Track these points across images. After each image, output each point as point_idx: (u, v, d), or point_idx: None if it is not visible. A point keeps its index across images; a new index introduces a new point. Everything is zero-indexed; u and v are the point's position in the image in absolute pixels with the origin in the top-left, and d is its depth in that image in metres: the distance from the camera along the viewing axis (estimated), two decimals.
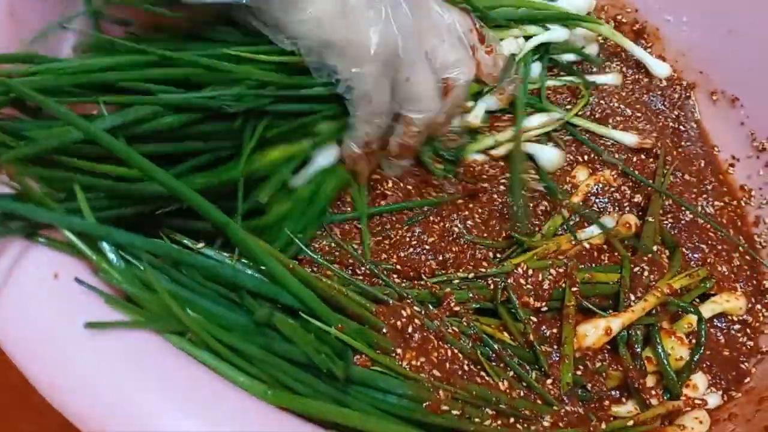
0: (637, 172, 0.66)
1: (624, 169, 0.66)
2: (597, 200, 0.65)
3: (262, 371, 0.34)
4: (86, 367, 0.31)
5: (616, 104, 0.72)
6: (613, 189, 0.65)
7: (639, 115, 0.71)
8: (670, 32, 0.77)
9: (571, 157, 0.68)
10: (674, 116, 0.74)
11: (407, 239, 0.58)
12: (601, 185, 0.65)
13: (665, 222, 0.64)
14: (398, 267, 0.55)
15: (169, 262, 0.33)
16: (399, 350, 0.42)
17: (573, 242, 0.60)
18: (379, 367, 0.40)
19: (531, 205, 0.64)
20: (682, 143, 0.72)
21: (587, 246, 0.60)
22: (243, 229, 0.35)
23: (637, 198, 0.65)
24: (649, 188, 0.65)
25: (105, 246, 0.33)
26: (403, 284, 0.54)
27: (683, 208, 0.65)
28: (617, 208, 0.64)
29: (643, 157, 0.68)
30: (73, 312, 0.32)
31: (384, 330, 0.42)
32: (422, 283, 0.54)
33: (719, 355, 0.59)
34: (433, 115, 0.60)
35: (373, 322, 0.42)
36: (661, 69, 0.75)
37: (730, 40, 0.71)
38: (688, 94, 0.76)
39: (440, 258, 0.57)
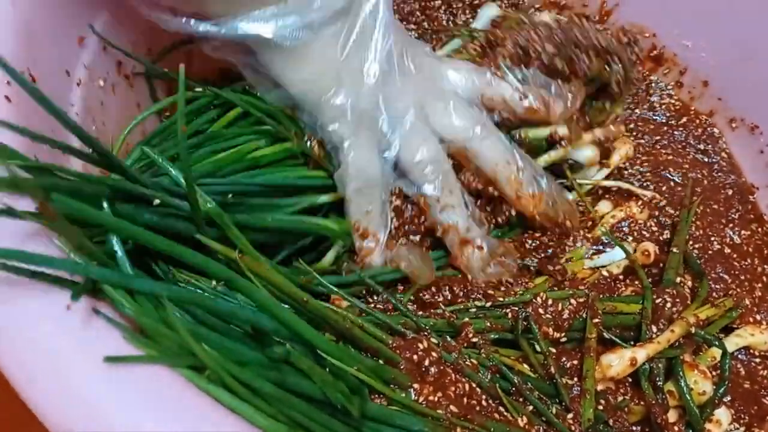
0: (664, 202, 0.65)
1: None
2: (621, 235, 0.63)
3: (277, 410, 0.33)
4: (100, 404, 0.30)
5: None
6: (640, 225, 0.64)
7: (665, 152, 0.71)
8: (688, 58, 0.76)
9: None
10: (701, 149, 0.73)
11: None
12: (627, 220, 0.64)
13: (693, 250, 0.63)
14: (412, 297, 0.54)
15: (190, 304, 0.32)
16: (416, 385, 0.41)
17: (586, 268, 0.59)
18: (396, 404, 0.39)
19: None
20: (713, 173, 0.72)
21: (605, 274, 0.59)
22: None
23: (666, 235, 0.64)
24: (675, 219, 0.64)
25: None
26: (419, 313, 0.53)
27: (712, 238, 0.64)
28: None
29: (672, 184, 0.68)
30: (86, 346, 0.31)
31: (401, 364, 0.41)
32: (439, 312, 0.53)
33: (740, 388, 0.58)
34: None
35: (389, 356, 0.41)
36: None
37: (750, 67, 0.71)
38: (711, 130, 0.75)
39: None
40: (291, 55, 0.48)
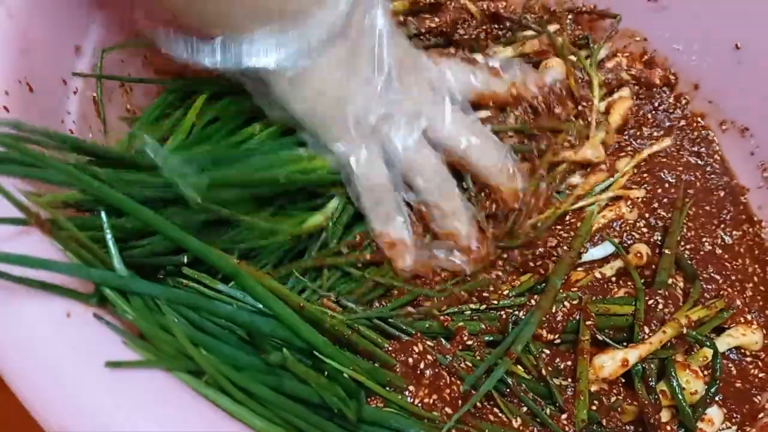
0: (656, 204, 0.66)
1: None
2: (612, 235, 0.63)
3: (274, 413, 0.33)
4: (99, 408, 0.30)
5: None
6: (629, 226, 0.64)
7: (660, 154, 0.71)
8: (679, 61, 0.77)
9: None
10: (695, 151, 0.74)
11: None
12: (618, 221, 0.64)
13: (684, 251, 0.64)
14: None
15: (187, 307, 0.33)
16: (411, 388, 0.42)
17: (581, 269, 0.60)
18: (392, 406, 0.39)
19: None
20: (706, 176, 0.72)
21: (598, 276, 0.60)
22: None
23: (657, 236, 0.64)
24: (667, 221, 0.64)
25: None
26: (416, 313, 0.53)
27: (703, 239, 0.64)
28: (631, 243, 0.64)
29: (666, 185, 0.68)
30: (86, 350, 0.32)
31: (396, 367, 0.42)
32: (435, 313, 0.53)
33: (732, 387, 0.58)
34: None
35: (384, 359, 0.42)
36: None
37: (741, 70, 0.71)
38: (706, 133, 0.75)
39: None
40: (292, 79, 0.48)
